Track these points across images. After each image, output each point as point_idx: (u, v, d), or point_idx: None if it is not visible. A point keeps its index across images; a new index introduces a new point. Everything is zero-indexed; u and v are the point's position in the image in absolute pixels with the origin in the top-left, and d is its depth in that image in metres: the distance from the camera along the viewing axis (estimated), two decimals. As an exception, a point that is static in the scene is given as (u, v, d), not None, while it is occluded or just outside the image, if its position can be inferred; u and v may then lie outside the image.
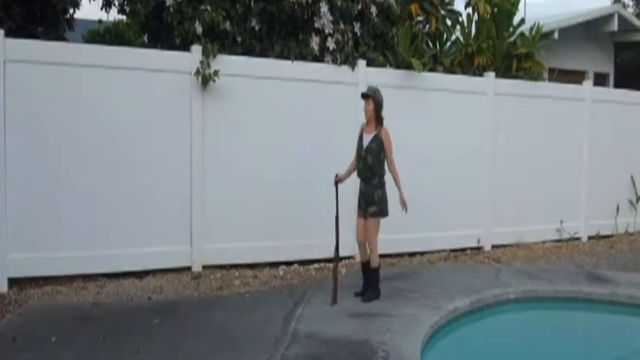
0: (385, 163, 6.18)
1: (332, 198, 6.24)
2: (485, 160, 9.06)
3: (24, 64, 6.47)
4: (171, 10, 7.60)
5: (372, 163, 6.08)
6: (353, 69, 8.04)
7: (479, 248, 9.05)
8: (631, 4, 23.30)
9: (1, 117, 6.36)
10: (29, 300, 6.10)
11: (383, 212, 6.15)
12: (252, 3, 7.90)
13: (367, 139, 6.13)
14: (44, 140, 6.60)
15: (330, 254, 6.31)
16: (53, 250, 6.62)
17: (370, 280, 6.27)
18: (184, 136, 7.20)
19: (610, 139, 10.18)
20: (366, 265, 6.30)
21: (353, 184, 6.53)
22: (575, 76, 13.75)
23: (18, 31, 7.47)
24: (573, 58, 14.66)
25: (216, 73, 7.14)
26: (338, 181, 6.25)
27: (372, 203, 6.08)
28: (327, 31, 8.06)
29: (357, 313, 5.79)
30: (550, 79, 11.56)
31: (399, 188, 6.16)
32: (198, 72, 7.10)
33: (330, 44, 8.09)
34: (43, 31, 8.45)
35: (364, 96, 6.17)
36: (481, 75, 9.31)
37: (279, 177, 7.59)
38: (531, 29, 10.01)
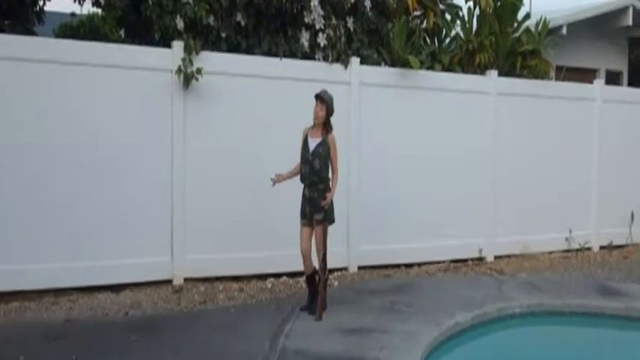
0: (330, 169, 6.13)
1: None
2: (487, 164, 8.92)
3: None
4: (150, 2, 7.40)
5: (319, 167, 6.00)
6: (346, 67, 7.95)
7: (481, 259, 8.91)
8: (646, -4, 23.03)
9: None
10: (-5, 318, 5.94)
11: (330, 219, 6.07)
12: (237, -5, 7.79)
13: (313, 143, 6.04)
14: (12, 145, 6.39)
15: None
16: (20, 262, 6.40)
17: (318, 294, 6.09)
18: (165, 139, 7.02)
19: (623, 142, 10.03)
20: (311, 278, 6.17)
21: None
22: (585, 75, 13.64)
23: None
24: (583, 55, 14.51)
25: (199, 71, 6.98)
26: (277, 181, 6.10)
27: (320, 210, 5.96)
28: (317, 26, 7.91)
29: (349, 328, 5.66)
30: (557, 78, 11.53)
31: (331, 189, 6.06)
32: (179, 70, 6.93)
33: (321, 40, 7.95)
34: (10, 24, 8.31)
35: (320, 99, 6.03)
36: (483, 73, 9.20)
37: (267, 183, 7.24)
38: (537, 24, 9.87)
